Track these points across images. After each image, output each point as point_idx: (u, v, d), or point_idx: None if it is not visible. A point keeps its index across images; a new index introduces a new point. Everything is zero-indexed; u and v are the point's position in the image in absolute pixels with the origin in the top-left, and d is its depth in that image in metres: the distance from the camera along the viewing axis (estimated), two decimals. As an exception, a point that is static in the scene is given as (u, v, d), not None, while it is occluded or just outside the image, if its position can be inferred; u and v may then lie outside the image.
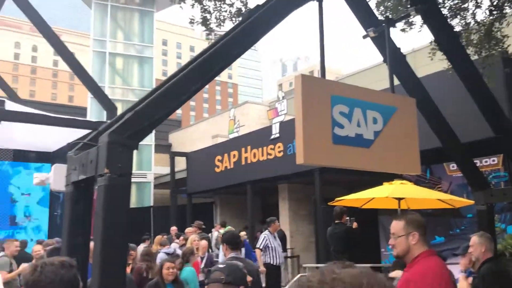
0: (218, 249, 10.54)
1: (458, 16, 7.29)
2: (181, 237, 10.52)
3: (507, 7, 7.25)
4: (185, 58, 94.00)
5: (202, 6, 7.60)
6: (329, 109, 3.59)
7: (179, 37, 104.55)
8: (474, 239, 4.60)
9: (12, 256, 7.58)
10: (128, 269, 6.42)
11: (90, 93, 17.31)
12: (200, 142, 19.72)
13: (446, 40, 5.06)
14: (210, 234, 12.54)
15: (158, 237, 11.02)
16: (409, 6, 4.91)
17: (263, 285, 8.08)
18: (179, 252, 8.21)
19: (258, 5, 3.37)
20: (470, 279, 5.33)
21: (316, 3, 3.88)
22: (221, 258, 8.36)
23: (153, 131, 21.14)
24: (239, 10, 7.60)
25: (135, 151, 2.61)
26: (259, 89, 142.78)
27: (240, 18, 7.06)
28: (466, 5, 7.30)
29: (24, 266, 7.02)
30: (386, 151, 3.82)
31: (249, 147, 14.72)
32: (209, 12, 7.64)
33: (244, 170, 14.64)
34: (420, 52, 14.88)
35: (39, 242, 9.26)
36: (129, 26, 22.78)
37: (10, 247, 7.35)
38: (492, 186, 6.69)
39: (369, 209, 8.09)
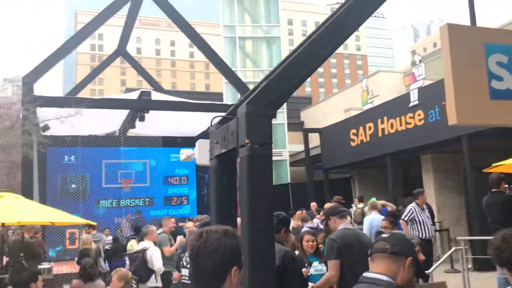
0: (358, 223, 10.31)
1: None
2: (321, 212, 10.49)
3: None
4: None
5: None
6: (484, 60, 3.16)
7: (304, 14, 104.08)
8: None
9: (170, 232, 8.27)
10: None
11: (224, 78, 18.14)
12: (332, 117, 19.43)
13: None
14: (350, 209, 12.32)
15: (298, 213, 11.15)
16: None
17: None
18: (322, 227, 8.19)
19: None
20: None
21: None
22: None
23: (285, 110, 21.44)
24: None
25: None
26: (390, 58, 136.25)
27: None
28: None
29: (180, 238, 7.64)
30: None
31: (385, 118, 14.10)
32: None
33: (382, 142, 14.08)
34: None
35: (190, 219, 10.03)
36: (255, 8, 23.23)
37: (168, 224, 7.97)
38: None
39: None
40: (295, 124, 23.09)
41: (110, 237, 12.43)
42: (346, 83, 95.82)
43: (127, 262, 9.51)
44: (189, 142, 13.96)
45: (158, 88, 17.96)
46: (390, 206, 9.90)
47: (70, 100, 11.64)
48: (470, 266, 8.74)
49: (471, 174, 10.72)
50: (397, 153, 13.73)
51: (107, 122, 14.85)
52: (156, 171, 16.19)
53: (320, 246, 5.74)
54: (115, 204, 15.41)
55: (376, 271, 1.92)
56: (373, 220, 8.26)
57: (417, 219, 8.15)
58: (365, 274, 1.95)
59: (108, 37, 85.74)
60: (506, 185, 7.37)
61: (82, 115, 10.87)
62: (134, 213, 15.18)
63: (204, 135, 9.47)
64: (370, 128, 14.83)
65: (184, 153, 3.96)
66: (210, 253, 1.65)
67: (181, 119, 14.27)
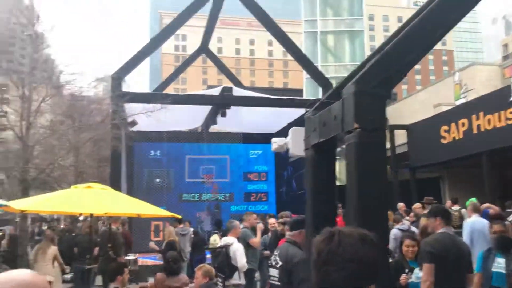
0: (455, 227, 9.48)
1: None
2: (411, 214, 9.83)
3: None
4: (393, 30, 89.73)
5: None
6: None
7: (385, 9, 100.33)
8: None
9: (250, 227, 8.14)
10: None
11: (306, 73, 17.80)
12: (420, 113, 18.30)
13: None
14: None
15: (390, 213, 10.52)
16: None
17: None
18: (414, 229, 7.61)
19: None
20: None
21: None
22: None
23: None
24: None
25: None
26: (479, 53, 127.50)
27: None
28: None
29: (260, 225, 7.96)
30: None
31: (481, 113, 12.97)
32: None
33: (477, 139, 12.97)
34: None
35: (270, 216, 9.85)
36: (338, 1, 22.61)
37: (250, 219, 7.92)
38: None
39: None
40: (379, 121, 22.19)
41: (191, 230, 12.56)
42: (431, 79, 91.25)
43: (208, 256, 9.51)
44: (268, 138, 13.82)
45: (238, 84, 18.04)
46: (493, 208, 8.94)
47: (156, 95, 11.97)
48: None
49: None
50: (495, 152, 12.56)
51: (190, 118, 15.16)
52: (236, 167, 16.25)
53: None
54: (197, 198, 15.68)
55: None
56: (474, 223, 7.42)
57: (525, 223, 7.25)
58: None
59: (191, 38, 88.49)
60: None
61: (167, 110, 11.13)
62: (213, 207, 15.39)
63: (284, 132, 9.22)
64: (463, 124, 13.74)
65: (276, 142, 3.66)
66: (344, 263, 1.31)
67: (261, 116, 14.19)
